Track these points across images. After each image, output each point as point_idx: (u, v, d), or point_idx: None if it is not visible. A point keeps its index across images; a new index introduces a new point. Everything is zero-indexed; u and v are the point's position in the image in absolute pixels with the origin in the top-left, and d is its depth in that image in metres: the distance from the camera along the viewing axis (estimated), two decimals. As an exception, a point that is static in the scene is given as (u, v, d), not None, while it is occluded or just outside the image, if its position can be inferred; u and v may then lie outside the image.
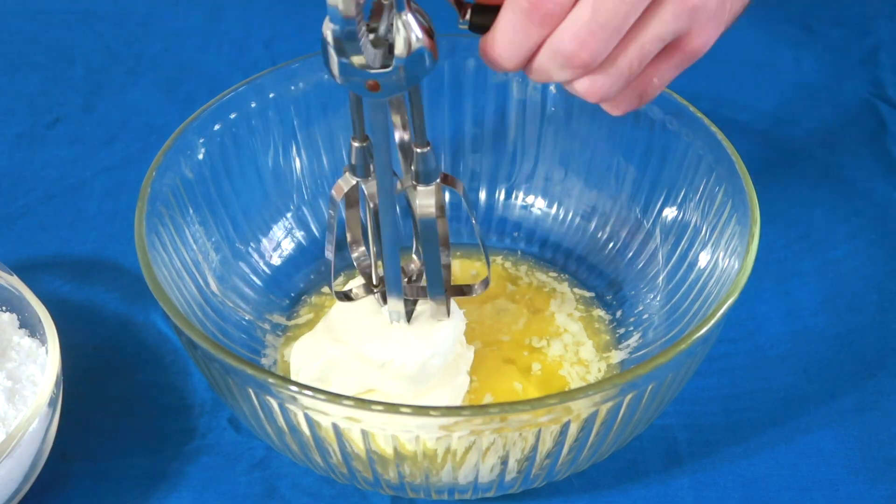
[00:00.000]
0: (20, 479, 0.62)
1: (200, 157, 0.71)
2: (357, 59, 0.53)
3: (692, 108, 0.70)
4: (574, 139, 0.77)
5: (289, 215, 0.77)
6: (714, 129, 0.69)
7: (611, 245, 0.76)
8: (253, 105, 0.73)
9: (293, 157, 0.76)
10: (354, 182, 0.62)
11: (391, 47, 0.53)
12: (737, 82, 0.95)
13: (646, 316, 0.72)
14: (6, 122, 0.91)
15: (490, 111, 0.78)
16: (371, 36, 0.53)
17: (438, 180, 0.61)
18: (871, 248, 0.80)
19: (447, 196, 0.65)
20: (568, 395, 0.56)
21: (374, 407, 0.56)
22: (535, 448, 0.59)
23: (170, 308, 0.60)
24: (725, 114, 0.90)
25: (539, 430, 0.57)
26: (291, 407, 0.57)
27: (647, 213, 0.75)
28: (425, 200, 0.61)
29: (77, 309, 0.76)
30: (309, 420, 0.58)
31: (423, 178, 0.61)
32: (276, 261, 0.76)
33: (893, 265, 0.79)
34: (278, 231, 0.76)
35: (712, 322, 0.59)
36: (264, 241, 0.75)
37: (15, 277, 0.68)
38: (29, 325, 0.67)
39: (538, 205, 0.79)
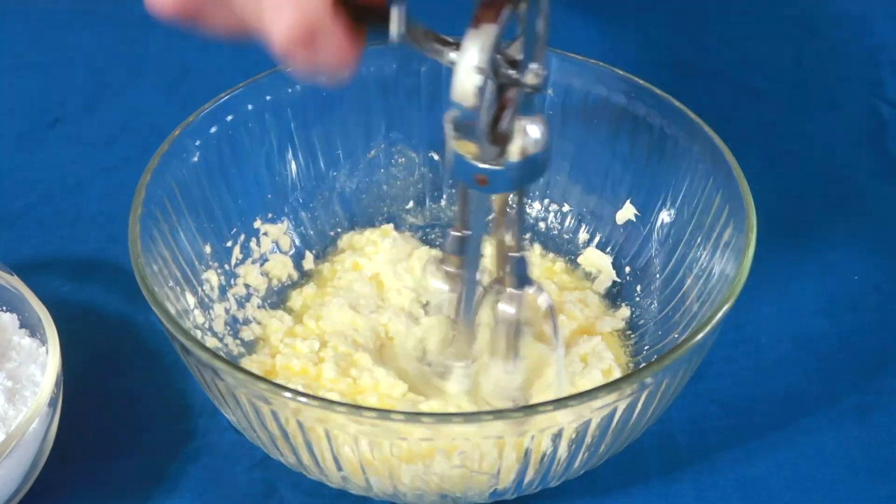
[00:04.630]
0: (20, 479, 0.62)
1: (196, 159, 0.70)
2: (470, 150, 0.54)
3: (690, 114, 0.70)
4: (571, 143, 0.76)
5: (284, 219, 0.77)
6: (712, 133, 0.69)
7: (608, 249, 0.76)
8: (249, 107, 0.73)
9: (288, 161, 0.76)
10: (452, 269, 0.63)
11: (507, 145, 0.55)
12: (736, 82, 0.95)
13: (642, 321, 0.72)
14: (6, 122, 0.91)
15: None
16: (491, 131, 0.54)
17: (534, 286, 0.62)
18: (870, 249, 0.80)
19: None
20: (562, 402, 0.55)
21: (365, 414, 0.55)
22: (527, 455, 0.58)
23: (162, 312, 0.60)
24: (724, 114, 0.90)
25: (532, 437, 0.57)
26: (283, 412, 0.57)
27: (644, 218, 0.74)
28: (509, 305, 0.62)
29: (77, 309, 0.76)
30: (301, 426, 0.57)
31: (516, 283, 0.62)
32: (271, 265, 0.76)
33: (893, 265, 0.79)
34: (274, 234, 0.76)
35: (707, 329, 0.59)
36: (261, 243, 0.75)
37: (15, 277, 0.68)
38: (29, 325, 0.67)
39: (535, 208, 0.79)
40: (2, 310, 0.69)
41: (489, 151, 0.55)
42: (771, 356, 0.73)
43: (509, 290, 0.62)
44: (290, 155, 0.76)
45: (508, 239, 0.61)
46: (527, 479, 0.60)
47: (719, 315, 0.59)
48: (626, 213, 0.75)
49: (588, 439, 0.59)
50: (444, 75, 0.76)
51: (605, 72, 0.74)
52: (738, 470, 0.67)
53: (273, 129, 0.74)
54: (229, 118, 0.72)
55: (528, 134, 0.55)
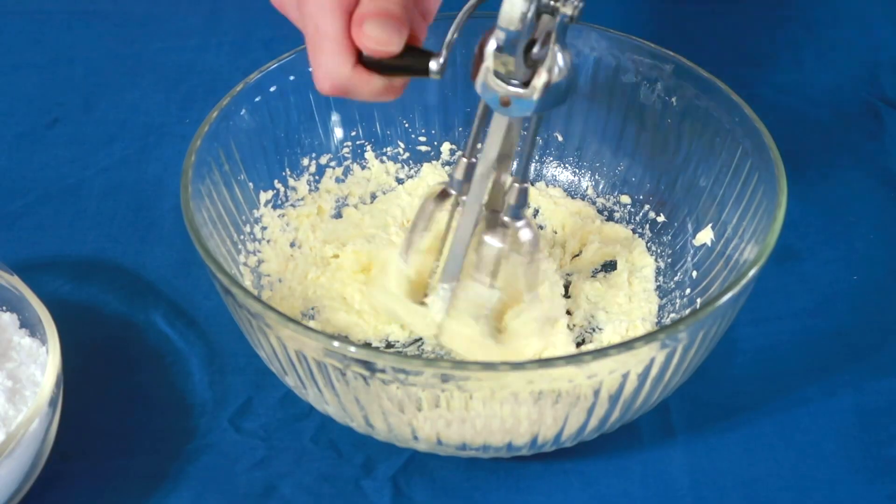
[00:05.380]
0: (20, 479, 0.62)
1: (245, 122, 0.73)
2: (505, 67, 0.59)
3: (721, 84, 0.72)
4: (604, 113, 0.78)
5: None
6: (742, 103, 0.71)
7: (639, 217, 0.78)
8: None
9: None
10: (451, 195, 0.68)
11: (535, 72, 0.59)
12: (736, 83, 0.94)
13: (672, 286, 0.74)
14: (6, 122, 0.91)
15: None
16: (526, 54, 0.59)
17: (524, 220, 0.66)
18: (870, 248, 0.80)
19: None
20: (602, 352, 0.57)
21: (413, 363, 0.57)
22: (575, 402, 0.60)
23: (220, 272, 0.61)
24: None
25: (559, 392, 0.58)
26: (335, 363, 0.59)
27: (675, 186, 0.76)
28: (497, 236, 0.66)
29: (77, 309, 0.76)
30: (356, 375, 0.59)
31: (513, 212, 0.65)
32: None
33: (893, 265, 0.79)
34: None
35: (744, 281, 0.61)
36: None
37: (15, 277, 0.68)
38: (29, 325, 0.67)
39: (568, 177, 0.81)
40: (2, 310, 0.69)
41: (523, 73, 0.59)
42: (770, 355, 0.73)
43: (505, 218, 0.66)
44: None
45: (515, 169, 0.65)
46: (565, 433, 0.62)
47: (755, 269, 0.62)
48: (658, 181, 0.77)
49: (627, 389, 0.60)
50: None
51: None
52: (738, 469, 0.67)
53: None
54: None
55: (558, 62, 0.59)
